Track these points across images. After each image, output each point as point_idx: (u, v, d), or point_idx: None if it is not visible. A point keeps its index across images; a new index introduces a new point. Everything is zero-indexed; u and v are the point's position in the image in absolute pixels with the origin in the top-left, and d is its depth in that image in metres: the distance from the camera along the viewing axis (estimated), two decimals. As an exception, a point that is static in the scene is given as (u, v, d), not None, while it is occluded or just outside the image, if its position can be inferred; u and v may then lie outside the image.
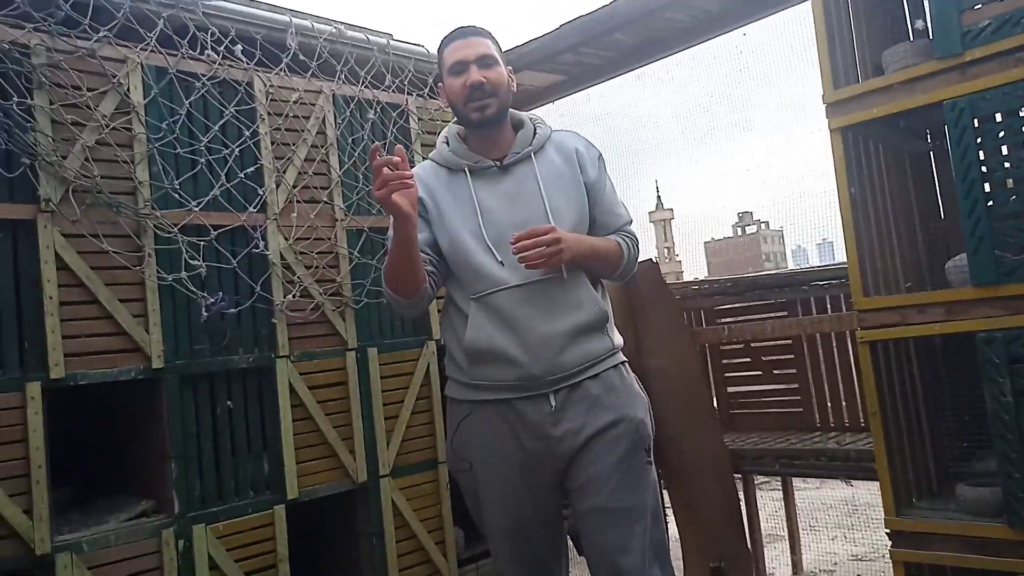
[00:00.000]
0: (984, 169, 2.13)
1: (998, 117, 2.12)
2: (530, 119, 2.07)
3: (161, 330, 2.27)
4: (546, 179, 1.96)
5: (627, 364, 2.05)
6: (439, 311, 3.02)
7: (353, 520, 2.69)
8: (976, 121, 2.14)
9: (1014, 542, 2.02)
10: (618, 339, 2.03)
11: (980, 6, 2.18)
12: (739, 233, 68.77)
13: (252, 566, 2.34)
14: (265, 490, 2.44)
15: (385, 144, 2.98)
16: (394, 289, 1.94)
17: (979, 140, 2.13)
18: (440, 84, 2.05)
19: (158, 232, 2.31)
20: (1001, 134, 2.12)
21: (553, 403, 1.87)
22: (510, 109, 2.03)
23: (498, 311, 1.87)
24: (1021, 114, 2.10)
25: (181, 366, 2.31)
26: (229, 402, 2.40)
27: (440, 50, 2.02)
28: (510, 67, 2.02)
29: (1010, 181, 2.13)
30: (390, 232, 1.88)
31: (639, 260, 2.14)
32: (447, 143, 2.05)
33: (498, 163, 1.97)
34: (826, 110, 2.44)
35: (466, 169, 1.98)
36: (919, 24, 2.75)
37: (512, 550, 1.94)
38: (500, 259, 1.88)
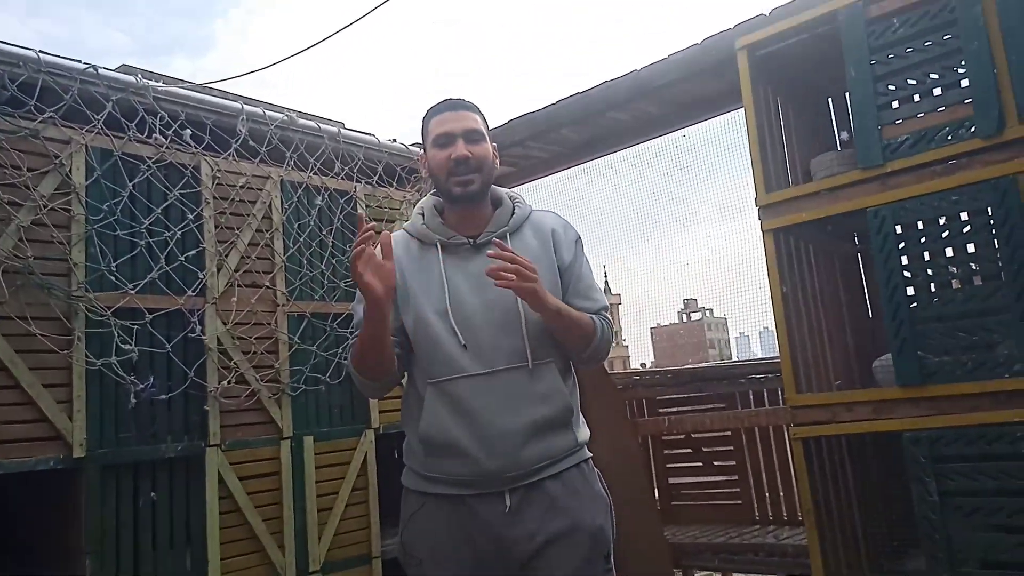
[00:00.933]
0: (907, 274, 2.23)
1: (919, 224, 2.24)
2: (510, 197, 1.99)
3: (86, 417, 2.19)
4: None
5: (591, 461, 1.93)
6: (378, 400, 2.99)
7: (280, 619, 2.57)
8: (898, 228, 2.25)
9: (945, 644, 2.03)
10: (584, 434, 1.91)
11: (899, 121, 2.33)
12: (684, 319, 69.99)
13: (167, 671, 2.21)
14: (186, 587, 2.33)
15: (332, 230, 2.99)
16: (361, 371, 1.86)
17: (901, 246, 2.24)
18: (422, 154, 1.97)
19: (90, 315, 2.25)
20: (922, 240, 2.23)
21: (508, 503, 1.76)
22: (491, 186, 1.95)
23: (456, 400, 1.77)
24: (940, 222, 2.22)
25: (104, 455, 2.22)
26: (153, 493, 2.30)
27: (426, 119, 1.94)
28: (495, 144, 1.95)
29: (932, 286, 2.23)
30: (357, 314, 1.82)
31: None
32: (422, 215, 1.96)
33: (472, 241, 1.89)
34: (759, 212, 2.55)
35: (438, 244, 1.89)
36: (844, 135, 2.92)
37: None
38: (464, 343, 1.78)
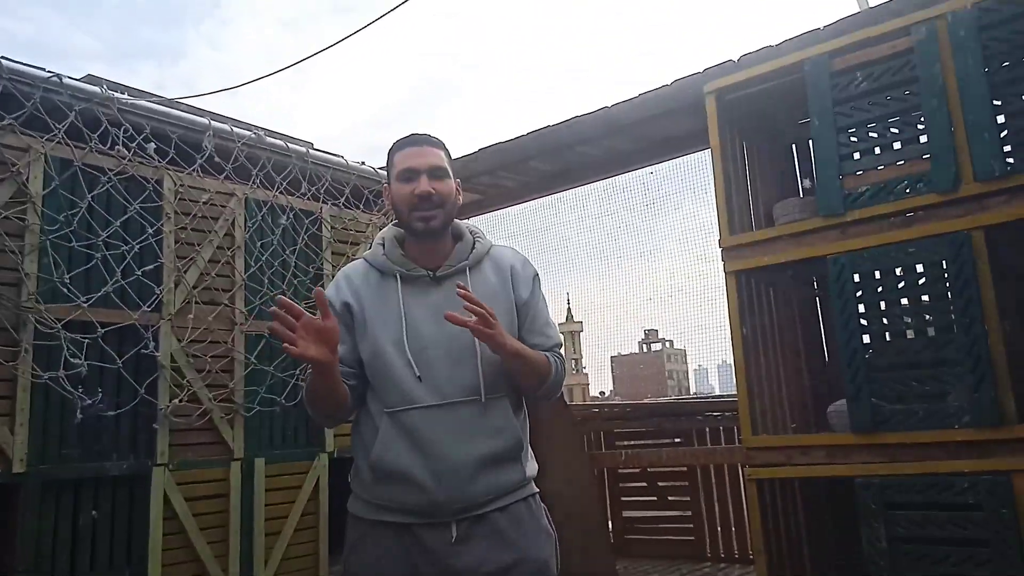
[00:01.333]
0: (863, 321, 2.27)
1: (876, 274, 2.28)
2: (470, 231, 2.02)
3: (28, 431, 2.12)
4: (478, 296, 1.95)
5: (537, 496, 1.96)
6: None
7: (220, 648, 2.50)
8: (856, 276, 2.29)
9: None
10: (532, 468, 1.96)
11: (860, 172, 2.38)
12: (644, 350, 70.51)
13: None
14: (123, 612, 2.25)
15: (295, 250, 2.96)
16: (315, 410, 1.89)
17: (859, 294, 2.28)
18: (386, 186, 1.97)
19: (39, 327, 2.19)
20: (879, 289, 2.28)
21: (455, 533, 1.77)
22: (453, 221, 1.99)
23: (410, 431, 1.79)
24: (897, 272, 2.26)
25: (45, 471, 2.15)
26: (95, 512, 2.23)
27: (391, 153, 1.99)
28: (458, 180, 1.98)
29: (888, 334, 2.27)
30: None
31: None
32: (383, 246, 1.97)
33: (431, 274, 1.91)
34: (722, 254, 2.58)
35: (398, 275, 1.91)
36: (807, 183, 2.98)
37: None
38: (419, 374, 1.81)
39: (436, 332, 1.84)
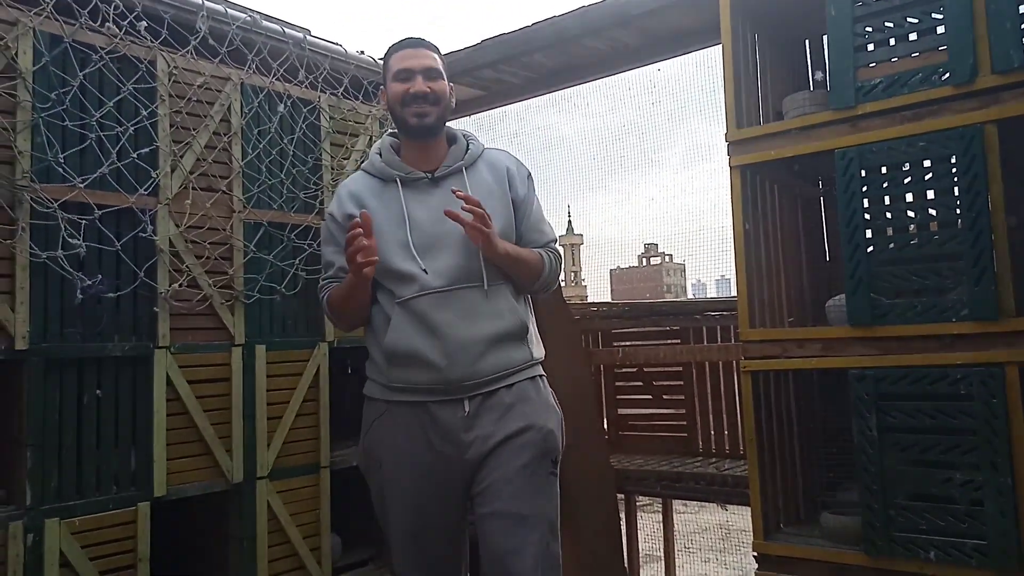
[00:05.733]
0: (867, 216, 2.25)
1: (883, 169, 2.25)
2: (463, 135, 2.12)
3: (29, 309, 2.13)
4: (475, 194, 1.98)
5: (544, 378, 2.08)
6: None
7: (225, 522, 2.58)
8: (863, 171, 2.26)
9: (870, 569, 2.13)
10: (538, 351, 2.06)
11: (874, 64, 2.32)
12: (644, 263, 70.59)
13: (108, 565, 2.20)
14: (130, 486, 2.31)
15: (293, 140, 2.91)
16: (339, 318, 2.06)
17: (865, 189, 2.26)
18: (382, 88, 2.09)
19: (35, 206, 2.17)
20: (885, 185, 2.25)
21: (467, 408, 1.90)
22: (446, 124, 2.09)
23: (420, 315, 1.90)
24: (904, 168, 2.23)
25: (48, 349, 2.16)
26: (99, 390, 2.26)
27: (387, 56, 2.08)
28: (451, 84, 2.08)
29: (890, 230, 2.26)
30: (330, 264, 2.06)
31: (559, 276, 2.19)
32: (379, 154, 2.08)
33: (430, 175, 2.01)
34: (728, 148, 2.54)
35: (398, 180, 2.01)
36: (818, 75, 2.90)
37: (414, 553, 1.93)
38: (424, 268, 1.92)
39: (438, 228, 1.95)
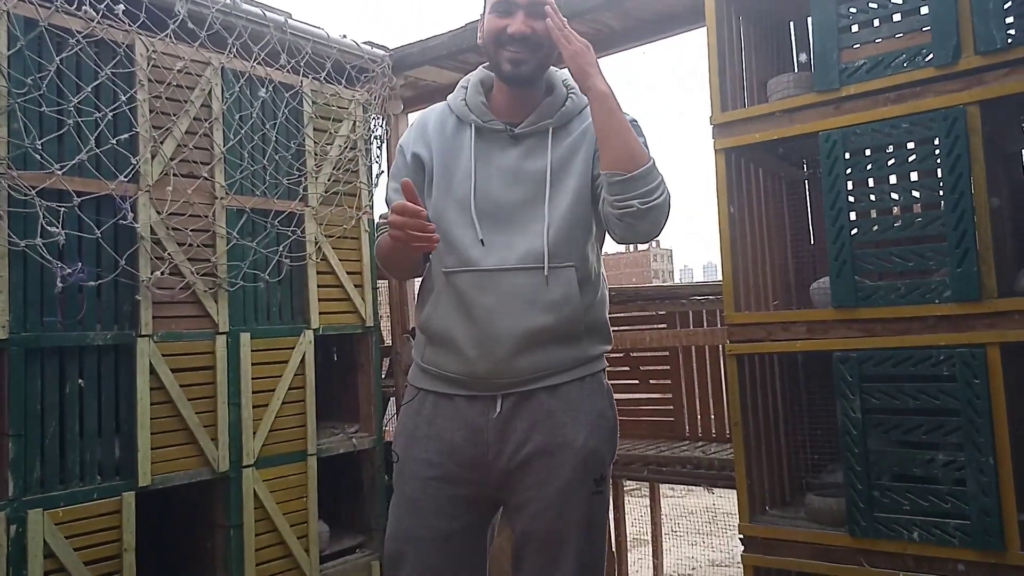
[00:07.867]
0: (851, 199, 2.25)
1: (867, 151, 2.25)
2: (564, 84, 1.77)
3: (8, 298, 2.11)
4: (557, 162, 1.70)
5: (600, 375, 1.80)
6: (319, 300, 2.94)
7: (211, 511, 2.58)
8: (847, 153, 2.26)
9: (854, 550, 2.14)
10: (598, 348, 1.79)
11: (858, 46, 2.31)
12: (631, 249, 70.80)
13: (93, 555, 2.20)
14: (114, 475, 2.30)
15: (275, 125, 2.88)
16: (386, 269, 1.81)
17: (848, 171, 2.26)
18: (481, 15, 1.74)
19: (13, 194, 2.14)
20: (868, 167, 2.25)
21: (500, 408, 1.66)
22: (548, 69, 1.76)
23: (460, 293, 1.65)
24: (887, 150, 2.23)
25: (28, 338, 2.14)
26: (81, 380, 2.24)
27: None
28: (564, 19, 1.67)
29: (874, 212, 2.26)
30: (389, 195, 1.75)
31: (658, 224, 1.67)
32: (465, 89, 1.77)
33: (511, 129, 1.71)
34: (712, 131, 2.53)
35: (473, 126, 1.72)
36: (803, 57, 2.90)
37: (415, 561, 1.66)
38: (481, 237, 1.65)
39: (505, 194, 1.68)
